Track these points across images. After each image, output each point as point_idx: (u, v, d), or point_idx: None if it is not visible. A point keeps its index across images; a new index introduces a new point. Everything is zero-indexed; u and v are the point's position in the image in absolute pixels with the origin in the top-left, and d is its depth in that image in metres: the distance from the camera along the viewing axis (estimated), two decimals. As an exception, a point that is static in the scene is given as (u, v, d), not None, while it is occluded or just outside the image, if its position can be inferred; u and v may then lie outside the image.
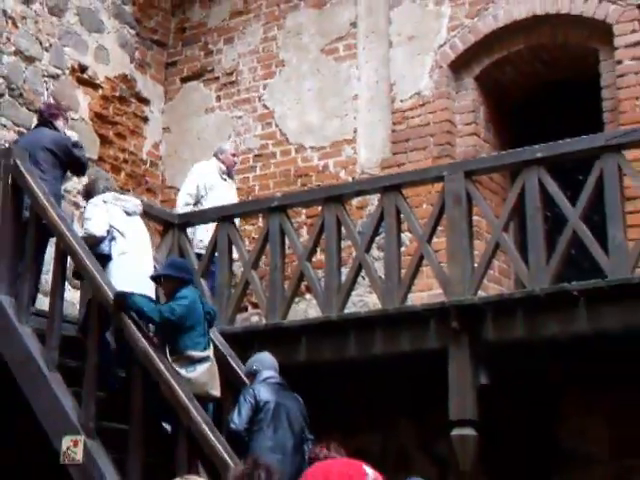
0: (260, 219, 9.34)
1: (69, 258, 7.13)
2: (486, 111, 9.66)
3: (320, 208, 8.23)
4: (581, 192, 7.03)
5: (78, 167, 8.26)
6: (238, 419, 6.44)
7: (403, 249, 8.09)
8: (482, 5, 9.41)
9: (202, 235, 8.88)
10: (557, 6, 9.02)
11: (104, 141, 10.47)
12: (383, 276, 7.70)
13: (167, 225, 8.86)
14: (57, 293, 7.09)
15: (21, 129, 9.39)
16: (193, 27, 11.38)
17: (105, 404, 6.84)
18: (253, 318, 9.49)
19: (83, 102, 10.30)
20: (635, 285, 6.50)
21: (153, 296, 7.34)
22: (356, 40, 10.15)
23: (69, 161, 8.07)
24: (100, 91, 10.52)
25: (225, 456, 5.89)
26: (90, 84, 10.41)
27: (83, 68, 10.32)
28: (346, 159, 9.92)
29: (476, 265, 7.35)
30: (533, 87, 9.71)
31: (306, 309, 9.27)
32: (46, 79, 9.87)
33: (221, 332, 7.68)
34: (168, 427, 6.74)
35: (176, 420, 6.30)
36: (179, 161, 11.05)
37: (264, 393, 6.59)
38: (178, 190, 10.86)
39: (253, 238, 9.63)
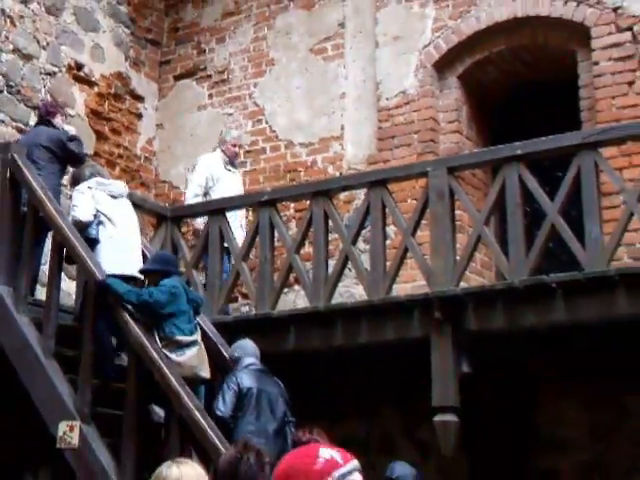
0: (250, 213, 9.33)
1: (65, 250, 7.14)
2: (468, 109, 9.67)
3: (308, 202, 8.24)
4: (559, 188, 7.05)
5: (74, 160, 8.27)
6: (223, 406, 6.48)
7: (388, 242, 8.10)
8: (465, 7, 9.41)
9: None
10: (537, 9, 9.02)
11: (99, 137, 10.45)
12: (369, 268, 7.70)
13: (160, 218, 8.87)
14: (54, 283, 7.09)
15: (19, 124, 9.40)
16: (186, 27, 11.35)
17: (100, 391, 6.85)
18: (243, 308, 9.49)
19: (79, 99, 10.28)
20: (610, 277, 6.52)
21: (141, 277, 7.41)
22: (344, 40, 10.14)
23: (65, 155, 8.08)
24: (96, 88, 10.49)
25: (216, 441, 5.91)
26: (86, 81, 10.38)
27: (79, 66, 10.29)
28: (334, 155, 9.92)
29: (458, 258, 7.37)
30: (514, 86, 9.72)
31: (294, 300, 9.27)
32: (43, 76, 9.84)
33: (213, 322, 7.69)
34: (161, 413, 6.76)
35: (168, 406, 6.31)
36: (172, 156, 11.04)
37: (246, 380, 6.62)
38: (171, 184, 10.93)
39: (244, 231, 9.63)
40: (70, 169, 8.47)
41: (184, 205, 9.28)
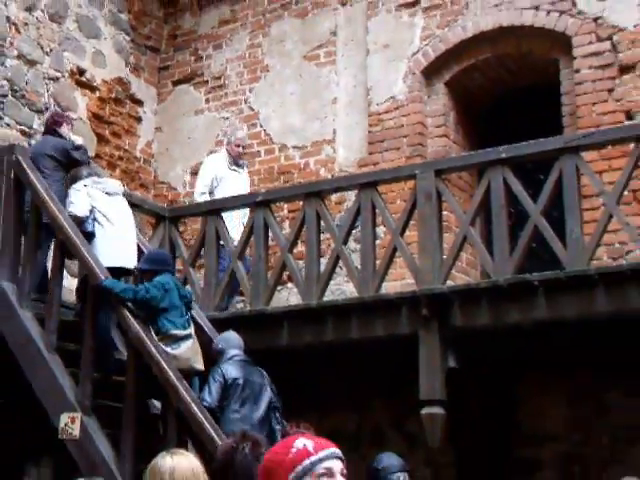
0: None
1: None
2: (455, 114, 9.67)
3: (301, 203, 8.24)
4: (542, 190, 7.06)
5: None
6: (209, 397, 6.48)
7: (378, 242, 8.11)
8: (452, 17, 9.41)
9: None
10: (521, 19, 9.03)
11: (101, 139, 10.43)
12: (359, 266, 7.70)
13: (159, 218, 8.87)
14: (56, 281, 7.08)
15: (23, 127, 9.39)
16: (184, 34, 11.33)
17: (100, 384, 6.84)
18: (238, 305, 9.48)
19: (81, 103, 10.26)
20: (590, 276, 6.53)
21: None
22: (336, 48, 10.13)
23: (69, 162, 8.08)
24: (97, 93, 10.47)
25: (212, 433, 5.90)
26: (88, 86, 10.35)
27: (81, 71, 10.26)
28: (326, 158, 9.91)
29: (445, 257, 7.37)
30: (499, 93, 9.73)
31: (288, 297, 9.27)
32: (47, 81, 9.82)
33: (209, 317, 7.68)
34: (158, 405, 6.76)
35: (166, 399, 6.30)
36: (170, 159, 11.02)
37: (232, 371, 6.62)
38: (169, 185, 10.93)
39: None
40: None
41: (182, 205, 9.26)
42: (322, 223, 7.92)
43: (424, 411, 6.93)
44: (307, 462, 2.40)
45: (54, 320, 6.94)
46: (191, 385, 6.52)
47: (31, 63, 9.64)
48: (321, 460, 2.41)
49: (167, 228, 8.72)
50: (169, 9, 11.48)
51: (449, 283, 7.38)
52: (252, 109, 10.54)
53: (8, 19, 9.45)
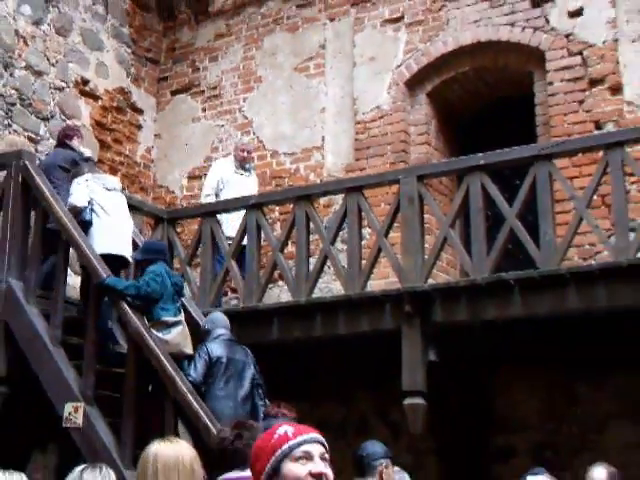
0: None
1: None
2: (437, 123, 9.69)
3: (292, 206, 8.24)
4: (517, 194, 7.09)
5: None
6: (195, 373, 6.47)
7: (364, 242, 8.11)
8: (434, 32, 9.44)
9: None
10: (498, 34, 9.07)
11: (103, 145, 10.42)
12: (346, 266, 7.71)
13: (157, 219, 8.89)
14: (61, 278, 7.07)
15: (30, 134, 9.39)
16: (182, 47, 11.32)
17: (102, 375, 6.83)
18: (232, 302, 9.47)
19: (85, 111, 10.24)
20: (562, 276, 6.56)
21: (129, 258, 7.54)
22: (324, 60, 10.14)
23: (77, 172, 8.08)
24: (100, 102, 10.45)
25: (207, 422, 5.90)
26: (91, 96, 10.33)
27: (85, 81, 10.25)
28: (315, 164, 9.92)
29: (427, 257, 7.39)
30: (477, 103, 9.75)
31: (279, 294, 9.27)
32: (53, 91, 9.81)
33: (204, 313, 7.67)
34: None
35: (164, 390, 6.29)
36: (169, 164, 11.01)
37: (217, 349, 6.61)
38: (167, 189, 10.92)
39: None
40: None
41: (179, 208, 9.25)
42: (311, 225, 7.93)
43: (406, 402, 6.94)
44: (285, 446, 2.42)
45: (59, 316, 6.93)
46: (181, 368, 6.51)
47: (38, 74, 9.62)
48: (299, 444, 2.42)
49: (165, 229, 8.72)
50: (168, 23, 11.47)
51: (430, 281, 7.39)
52: (246, 117, 10.53)
53: (17, 32, 9.44)
